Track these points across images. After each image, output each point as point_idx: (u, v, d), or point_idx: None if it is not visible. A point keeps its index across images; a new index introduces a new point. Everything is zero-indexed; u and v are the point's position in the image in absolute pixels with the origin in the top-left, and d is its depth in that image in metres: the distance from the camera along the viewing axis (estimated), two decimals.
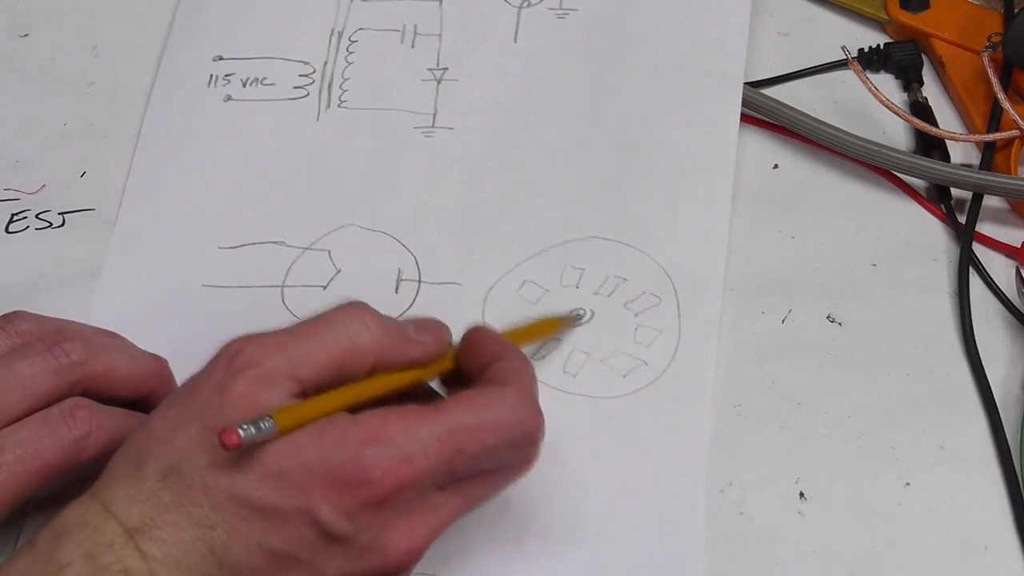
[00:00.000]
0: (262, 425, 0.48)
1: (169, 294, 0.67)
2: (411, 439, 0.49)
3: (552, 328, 0.63)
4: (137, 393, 0.58)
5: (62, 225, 0.69)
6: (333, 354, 0.51)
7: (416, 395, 0.54)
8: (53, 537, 0.49)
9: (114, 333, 0.60)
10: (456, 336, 0.56)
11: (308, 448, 0.49)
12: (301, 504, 0.49)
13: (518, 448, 0.52)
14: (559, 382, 0.63)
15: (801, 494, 0.61)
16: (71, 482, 0.55)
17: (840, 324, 0.66)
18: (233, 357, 0.50)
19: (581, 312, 0.65)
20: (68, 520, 0.49)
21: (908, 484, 0.61)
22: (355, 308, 0.53)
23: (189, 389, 0.51)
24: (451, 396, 0.53)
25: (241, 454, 0.48)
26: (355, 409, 0.51)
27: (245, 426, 0.48)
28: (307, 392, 0.51)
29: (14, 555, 0.49)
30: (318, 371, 0.51)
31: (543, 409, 0.61)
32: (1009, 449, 0.61)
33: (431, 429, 0.50)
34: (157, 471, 0.49)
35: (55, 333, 0.57)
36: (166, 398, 0.52)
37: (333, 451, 0.49)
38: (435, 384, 0.56)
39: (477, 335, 0.55)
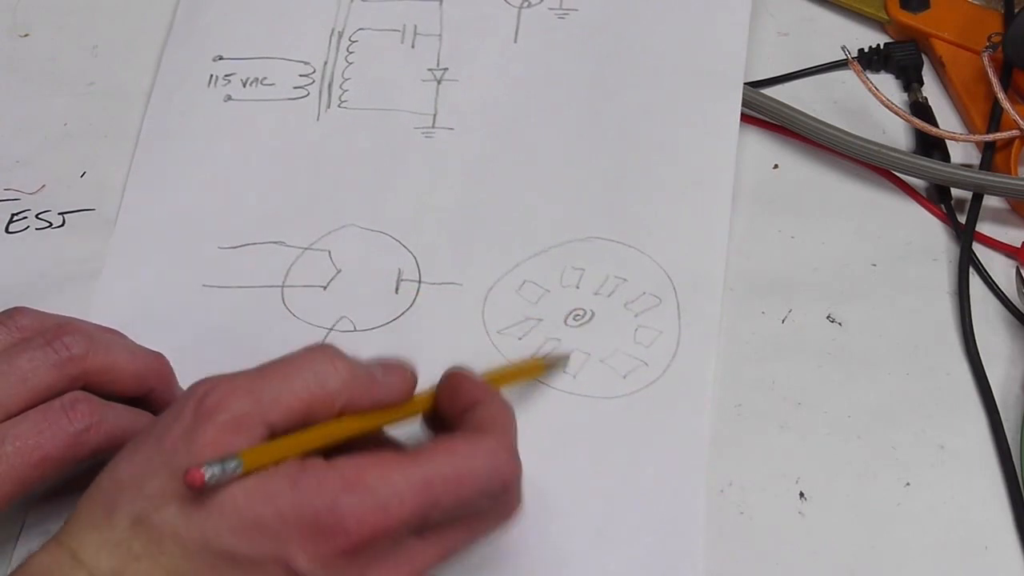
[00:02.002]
0: (227, 466, 0.47)
1: (169, 294, 0.67)
2: (388, 487, 0.49)
3: (536, 371, 0.62)
4: (138, 389, 0.58)
5: (62, 225, 0.69)
6: (302, 398, 0.50)
7: (388, 441, 0.54)
8: None
9: (115, 330, 0.60)
10: (435, 374, 0.55)
11: (282, 495, 0.48)
12: (276, 553, 0.48)
13: (494, 497, 0.52)
14: (559, 382, 0.63)
15: (801, 494, 0.61)
16: (70, 477, 0.56)
17: (840, 324, 0.66)
18: (202, 400, 0.49)
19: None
20: (34, 568, 0.48)
21: (908, 484, 0.61)
22: (323, 351, 0.52)
23: (158, 432, 0.50)
24: (429, 443, 0.52)
25: (211, 500, 0.48)
26: (323, 451, 0.50)
27: (210, 465, 0.47)
28: (276, 435, 0.50)
29: None
30: (287, 415, 0.50)
31: (543, 409, 0.62)
32: (1009, 449, 0.61)
33: (407, 477, 0.49)
34: (127, 518, 0.48)
35: (56, 328, 0.56)
36: (132, 440, 0.51)
37: (308, 499, 0.48)
38: (417, 425, 0.56)
39: (456, 378, 0.55)
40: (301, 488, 0.48)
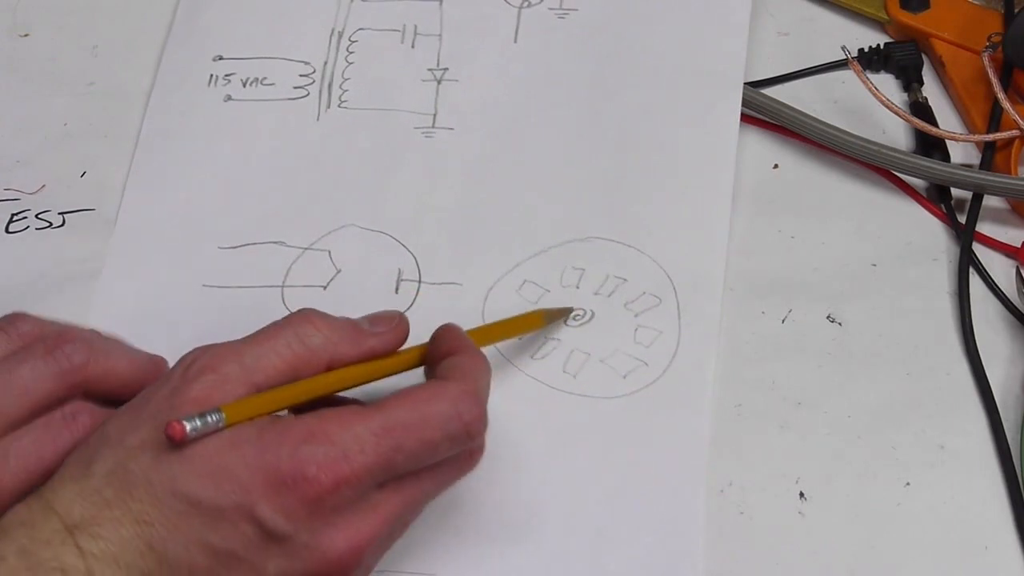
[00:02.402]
0: (209, 418, 0.48)
1: (169, 294, 0.67)
2: (348, 436, 0.50)
3: (534, 322, 0.63)
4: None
5: (62, 225, 0.69)
6: (285, 358, 0.52)
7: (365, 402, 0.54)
8: None
9: (113, 335, 0.60)
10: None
11: (247, 444, 0.49)
12: (240, 501, 0.49)
13: (457, 442, 0.52)
14: (559, 382, 0.63)
15: (801, 494, 0.61)
16: None
17: (840, 324, 0.66)
18: (189, 365, 0.51)
19: (579, 311, 0.64)
20: (10, 519, 0.49)
21: (908, 484, 0.61)
22: (304, 314, 0.54)
23: (147, 395, 0.52)
24: (393, 394, 0.53)
25: (183, 449, 0.49)
26: (309, 406, 0.51)
27: (191, 419, 0.48)
28: None
29: None
30: (272, 375, 0.51)
31: (543, 409, 0.61)
32: (1009, 449, 0.61)
33: (368, 425, 0.50)
34: (103, 469, 0.49)
35: (56, 336, 0.56)
36: (124, 404, 0.52)
37: (271, 448, 0.49)
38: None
39: (440, 332, 0.56)
40: (265, 439, 0.49)
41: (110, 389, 0.57)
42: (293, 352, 0.52)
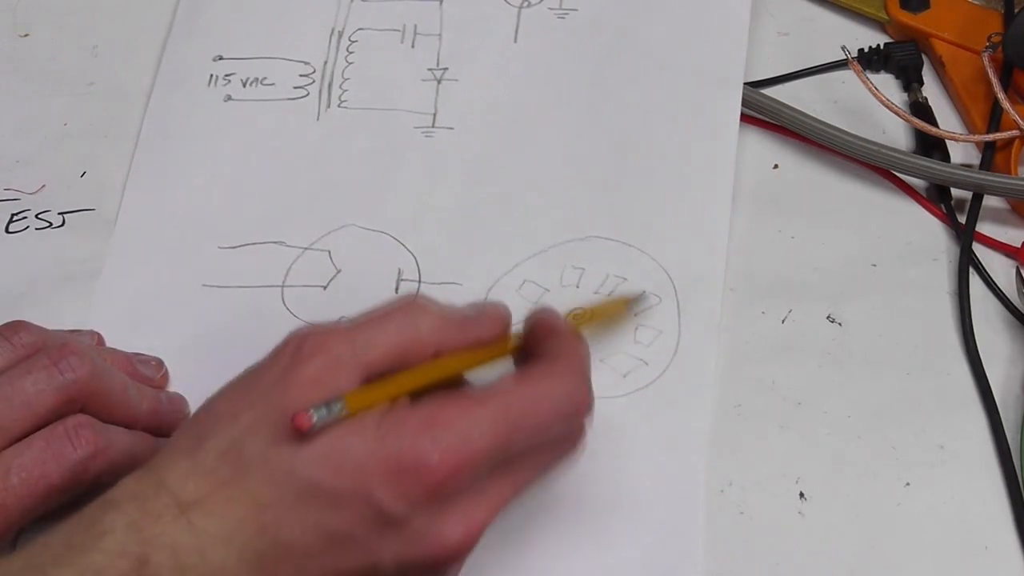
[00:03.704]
0: (333, 408, 0.49)
1: (169, 294, 0.67)
2: (468, 421, 0.50)
3: (619, 308, 0.63)
4: (132, 417, 0.58)
5: (62, 225, 0.69)
6: (396, 342, 0.51)
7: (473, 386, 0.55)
8: (102, 506, 0.48)
9: (113, 348, 0.59)
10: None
11: (368, 432, 0.49)
12: (358, 487, 0.48)
13: (568, 421, 0.53)
14: None
15: (801, 494, 0.61)
16: (72, 501, 0.55)
17: (840, 324, 0.66)
18: (300, 344, 0.51)
19: (647, 296, 0.64)
20: (120, 492, 0.49)
21: (908, 484, 0.61)
22: (414, 299, 0.53)
23: (254, 374, 0.51)
24: (502, 377, 0.53)
25: (304, 434, 0.49)
26: (420, 392, 0.52)
27: (317, 408, 0.48)
28: (372, 379, 0.51)
29: (62, 522, 0.49)
30: (382, 358, 0.51)
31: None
32: (1009, 449, 0.61)
33: (486, 410, 0.50)
34: (218, 447, 0.49)
35: (59, 348, 0.56)
36: (228, 382, 0.52)
37: (392, 435, 0.49)
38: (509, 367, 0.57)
39: (536, 316, 0.56)
40: (384, 428, 0.49)
41: (107, 406, 0.57)
42: (403, 336, 0.52)
